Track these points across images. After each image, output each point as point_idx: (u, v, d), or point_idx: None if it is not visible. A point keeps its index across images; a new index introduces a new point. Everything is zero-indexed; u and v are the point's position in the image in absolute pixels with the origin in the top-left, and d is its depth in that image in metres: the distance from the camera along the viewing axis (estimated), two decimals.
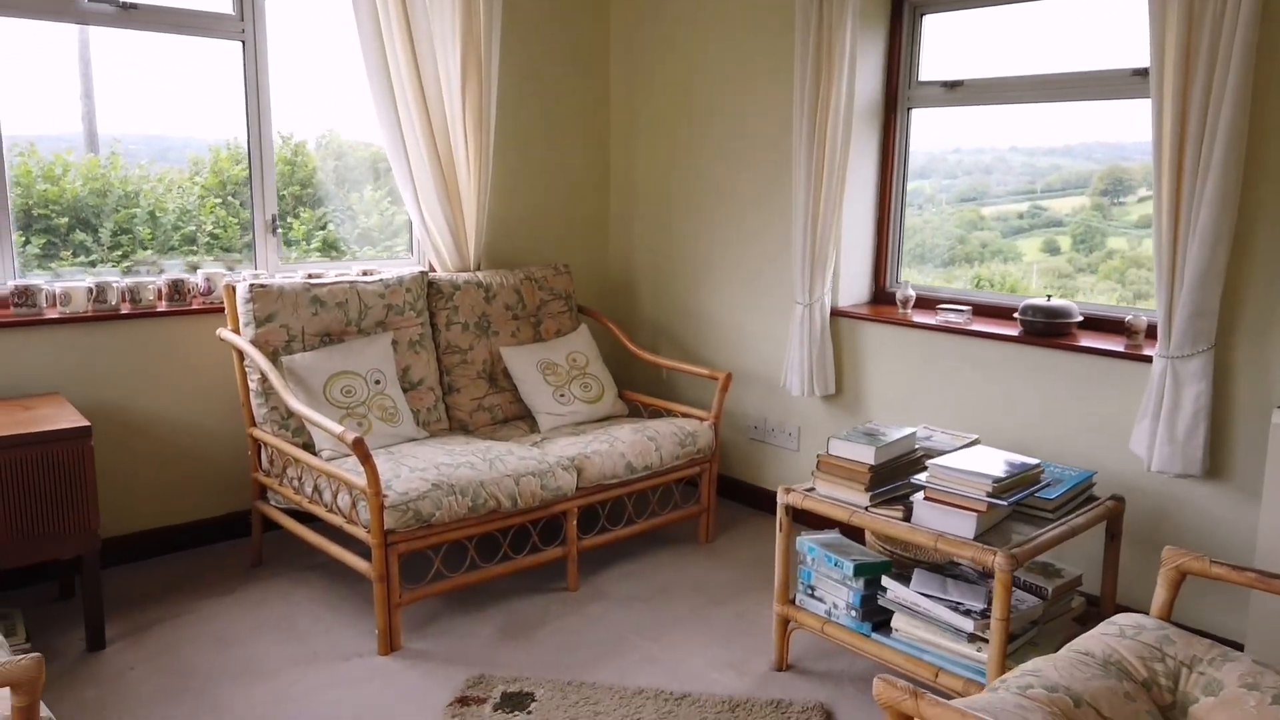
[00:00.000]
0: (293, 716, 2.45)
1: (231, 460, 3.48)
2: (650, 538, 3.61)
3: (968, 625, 2.25)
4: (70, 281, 3.17)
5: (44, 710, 1.60)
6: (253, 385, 3.17)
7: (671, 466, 3.41)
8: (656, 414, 3.75)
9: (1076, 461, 2.94)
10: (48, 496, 2.62)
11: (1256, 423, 2.62)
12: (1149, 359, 2.75)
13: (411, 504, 2.71)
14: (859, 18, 3.31)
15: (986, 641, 2.22)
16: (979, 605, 2.26)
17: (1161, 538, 2.80)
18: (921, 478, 2.39)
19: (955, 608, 2.28)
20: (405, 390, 3.40)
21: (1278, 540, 2.40)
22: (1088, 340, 2.97)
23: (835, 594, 2.55)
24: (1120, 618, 1.84)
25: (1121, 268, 3.26)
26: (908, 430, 2.61)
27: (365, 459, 2.63)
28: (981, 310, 3.37)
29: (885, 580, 2.44)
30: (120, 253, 3.38)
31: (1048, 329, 3.04)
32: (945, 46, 3.48)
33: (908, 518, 2.38)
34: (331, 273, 3.61)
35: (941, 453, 2.60)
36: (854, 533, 2.70)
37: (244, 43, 3.46)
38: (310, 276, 3.50)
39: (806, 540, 2.63)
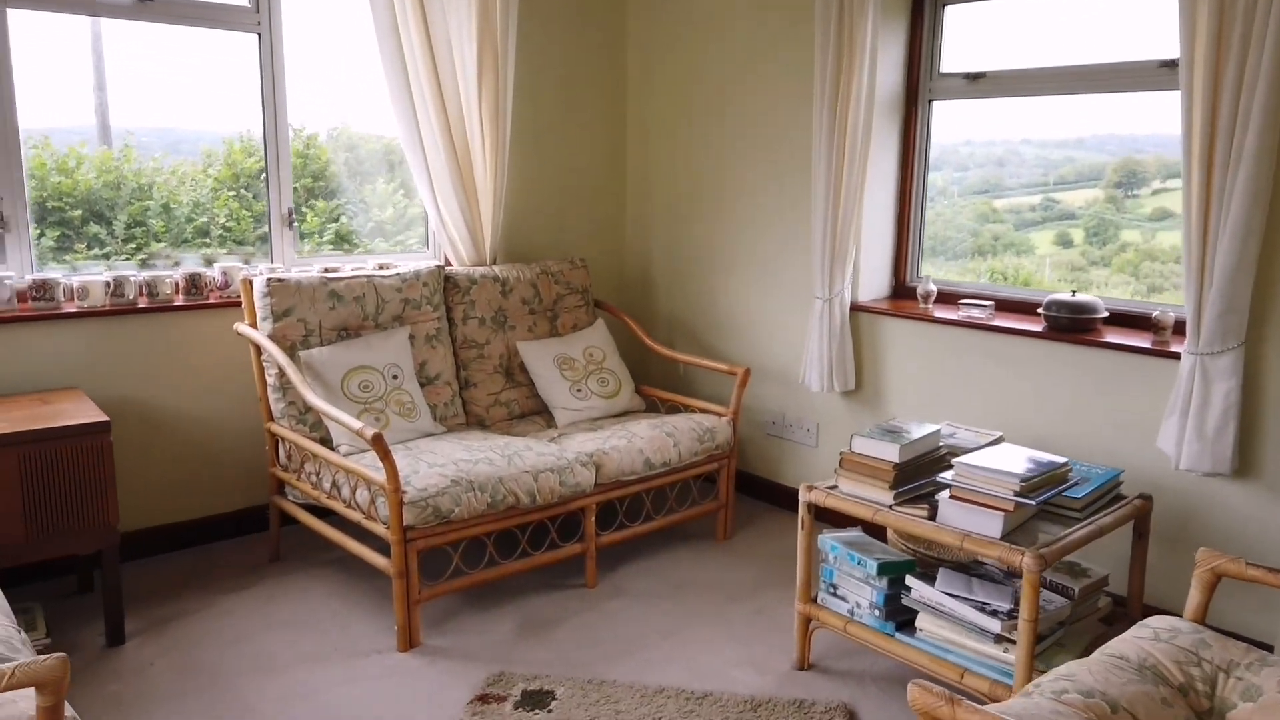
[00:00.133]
0: (314, 713, 2.45)
1: (249, 455, 3.47)
2: (668, 534, 3.59)
3: (994, 626, 2.22)
4: (88, 275, 3.17)
5: (68, 709, 1.59)
6: (270, 380, 3.16)
7: (690, 462, 3.39)
8: (674, 409, 3.73)
9: (1102, 459, 2.90)
10: (67, 492, 2.62)
11: None
12: (1177, 355, 2.71)
13: (431, 500, 2.70)
14: (880, 9, 3.27)
15: (1013, 643, 2.19)
16: (1005, 606, 2.23)
17: (1189, 537, 2.76)
18: (947, 476, 2.35)
19: (981, 608, 2.25)
20: (422, 385, 3.39)
21: None
22: (1113, 336, 2.93)
23: (858, 593, 2.52)
24: (1153, 620, 1.81)
25: (1135, 261, 3.23)
26: (931, 428, 2.58)
27: (385, 455, 2.61)
28: (1004, 305, 3.33)
29: (909, 580, 2.41)
30: (134, 245, 3.37)
31: (1072, 324, 3.00)
32: (967, 38, 3.44)
33: (933, 516, 2.35)
34: (348, 267, 3.60)
35: (966, 450, 2.57)
36: (875, 530, 2.67)
37: (260, 35, 3.44)
38: (327, 271, 3.49)
39: (828, 538, 2.61)
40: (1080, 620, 2.42)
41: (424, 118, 3.55)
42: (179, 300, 3.30)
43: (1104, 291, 3.21)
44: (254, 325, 3.18)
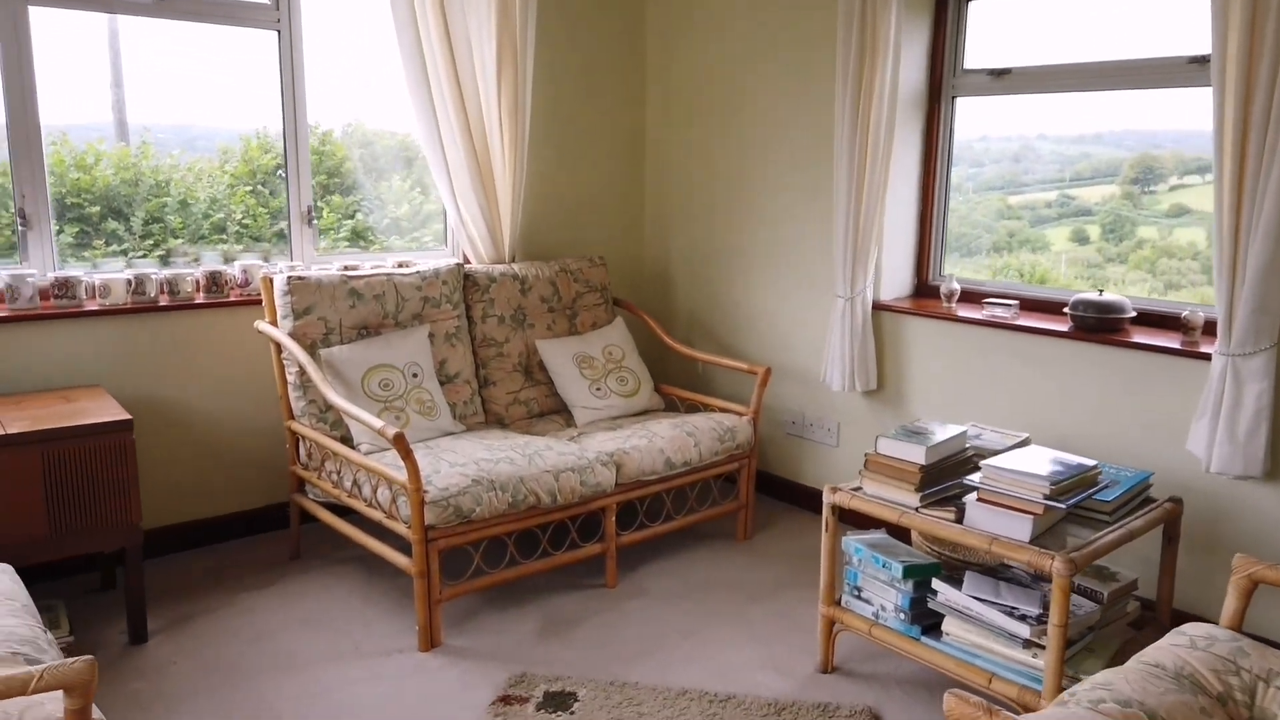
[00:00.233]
0: (337, 712, 2.44)
1: (269, 453, 3.47)
2: (688, 534, 3.57)
3: (1023, 631, 2.19)
4: (109, 273, 3.17)
5: (95, 711, 1.58)
6: (290, 378, 3.15)
7: (710, 462, 3.37)
8: (693, 408, 3.71)
9: (1129, 461, 2.87)
10: (90, 490, 2.62)
11: None
12: (1207, 356, 2.67)
13: (452, 500, 2.69)
14: (903, 4, 3.23)
15: (1043, 648, 2.16)
16: (1034, 610, 2.21)
17: (1220, 541, 2.72)
18: (974, 478, 2.33)
19: (1010, 613, 2.23)
20: (442, 383, 3.38)
21: None
22: (1141, 336, 2.89)
23: (883, 596, 2.50)
24: (1189, 628, 1.78)
25: (1152, 257, 3.20)
26: (958, 429, 2.55)
27: (406, 455, 2.60)
28: (1029, 304, 3.29)
29: (936, 583, 2.39)
30: (152, 242, 3.37)
31: (1100, 324, 2.96)
32: (992, 33, 3.40)
33: (960, 519, 2.32)
34: (367, 265, 3.59)
35: (993, 452, 2.54)
36: (899, 532, 2.65)
37: (279, 32, 3.43)
38: (346, 268, 3.48)
39: (852, 540, 2.59)
40: (1109, 625, 2.38)
41: (443, 114, 3.54)
42: (199, 298, 3.30)
43: (1120, 289, 3.18)
44: (274, 323, 3.18)
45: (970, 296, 3.44)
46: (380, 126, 3.88)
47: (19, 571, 2.16)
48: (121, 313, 3.13)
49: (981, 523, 2.27)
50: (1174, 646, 1.70)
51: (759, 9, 3.79)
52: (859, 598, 2.57)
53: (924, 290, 3.65)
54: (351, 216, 3.78)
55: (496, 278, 3.63)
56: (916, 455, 2.40)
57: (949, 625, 2.36)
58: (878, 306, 3.53)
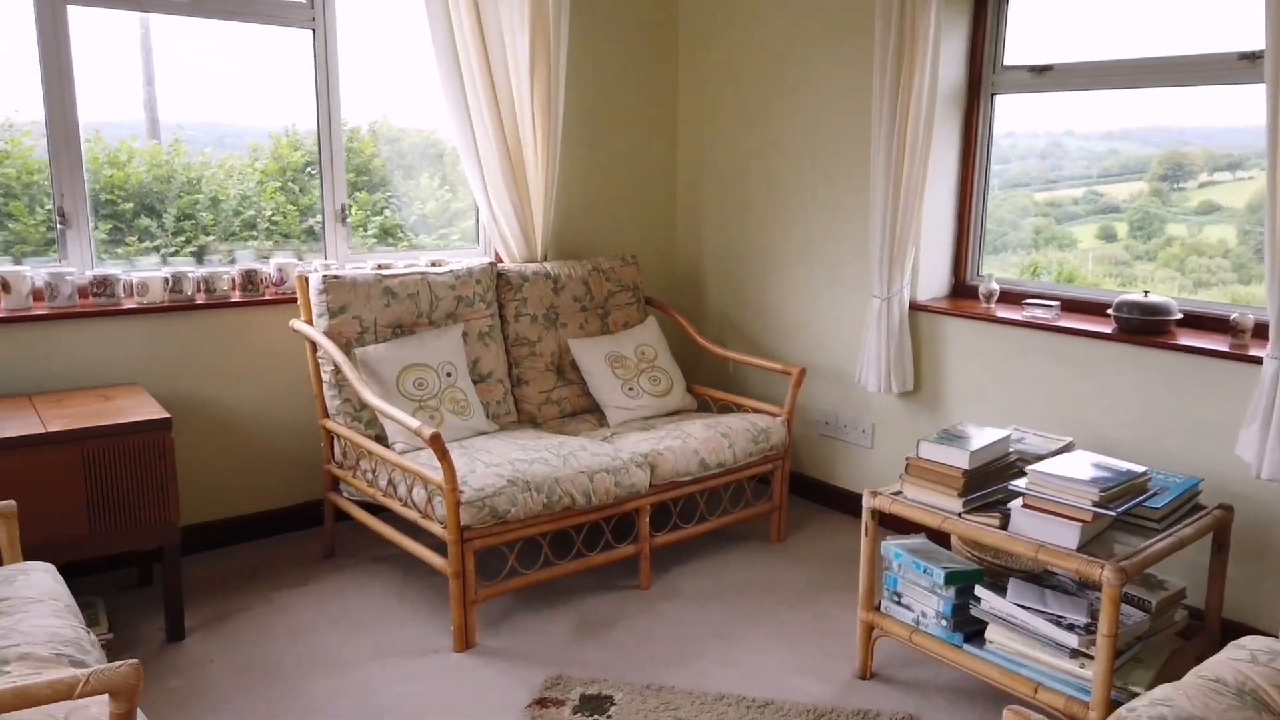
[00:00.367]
0: (376, 713, 2.44)
1: (304, 451, 3.48)
2: (721, 535, 3.54)
3: (1071, 641, 2.15)
4: (146, 271, 3.18)
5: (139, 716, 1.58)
6: (325, 377, 3.16)
7: (745, 463, 3.34)
8: (726, 409, 3.68)
9: (1175, 467, 2.81)
10: (129, 488, 2.63)
11: None
12: (1258, 360, 2.61)
13: (488, 500, 2.68)
14: (943, 0, 3.18)
15: (1091, 658, 2.12)
16: (1082, 619, 2.16)
17: (1271, 549, 2.66)
18: (1020, 484, 2.29)
19: (1057, 622, 2.18)
20: (475, 382, 3.37)
21: None
22: (1188, 338, 2.83)
23: (924, 602, 2.46)
24: (1248, 641, 1.74)
25: (1181, 255, 3.15)
26: (1001, 433, 2.51)
27: (443, 455, 2.60)
28: (1070, 305, 3.24)
29: (979, 590, 2.35)
30: (183, 238, 3.38)
31: (1144, 326, 2.90)
32: (1033, 29, 3.34)
33: (1004, 525, 2.28)
34: (400, 263, 3.59)
35: (1037, 456, 2.50)
36: (937, 536, 2.61)
37: (314, 31, 3.43)
38: (380, 267, 3.48)
39: (892, 545, 2.55)
40: (1157, 634, 2.34)
41: (476, 111, 3.52)
42: (235, 296, 3.31)
43: (1149, 287, 3.13)
44: (310, 322, 3.18)
45: (1009, 297, 3.38)
46: (406, 123, 3.87)
47: (58, 569, 2.17)
48: (159, 311, 3.14)
49: (1027, 529, 2.23)
50: (1233, 661, 1.66)
51: (795, 5, 3.74)
52: (899, 603, 2.53)
53: (962, 290, 3.59)
54: (379, 213, 3.78)
55: (529, 277, 3.62)
56: (959, 460, 2.36)
57: (993, 633, 2.32)
58: (915, 307, 3.48)
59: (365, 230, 3.75)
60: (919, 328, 3.50)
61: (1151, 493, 2.30)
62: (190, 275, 3.20)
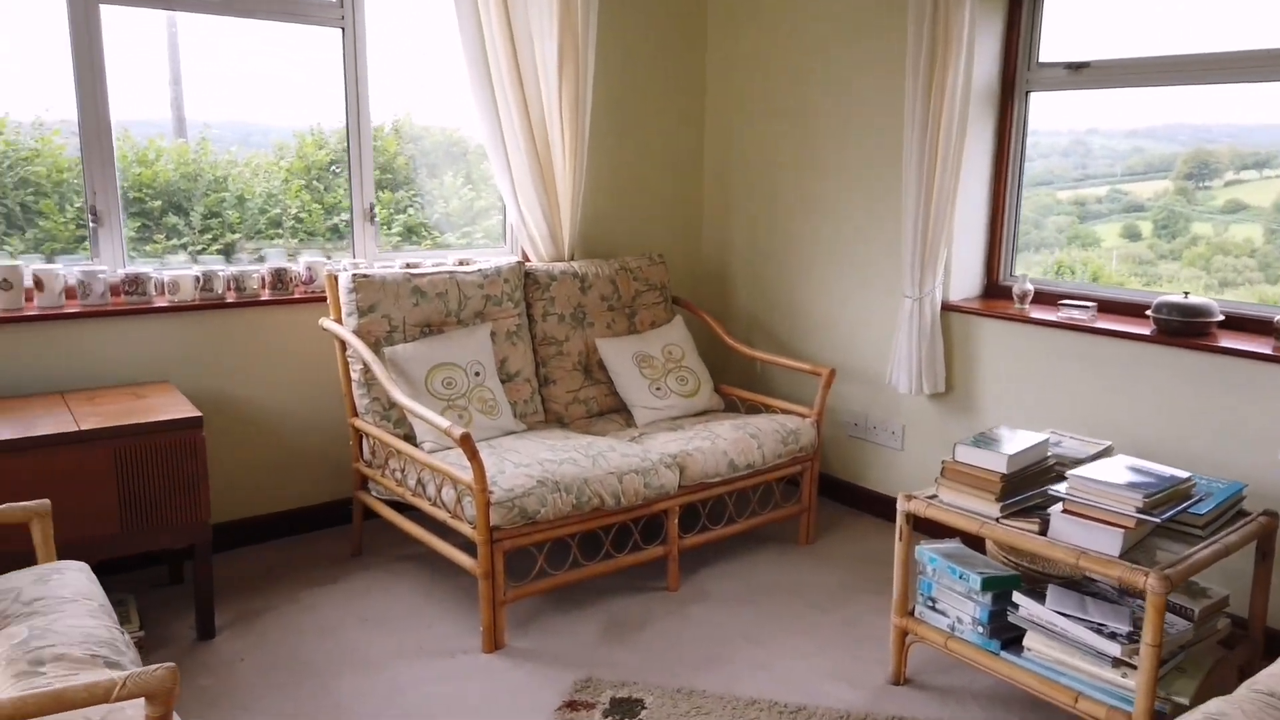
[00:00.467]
0: (405, 712, 2.43)
1: (332, 449, 3.48)
2: (749, 537, 3.52)
3: (1113, 650, 2.11)
4: (177, 270, 3.19)
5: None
6: (354, 375, 3.15)
7: (774, 465, 3.31)
8: (754, 409, 3.65)
9: (1214, 471, 2.75)
10: (160, 486, 2.64)
11: None
12: None
13: (517, 501, 2.66)
14: None
15: (1133, 667, 2.07)
16: (1124, 627, 2.12)
17: None
18: (1060, 489, 2.24)
19: (1099, 630, 2.14)
20: (502, 382, 3.36)
21: None
22: (1229, 341, 2.78)
23: (959, 608, 2.42)
24: None
25: (1207, 255, 3.11)
26: (1039, 436, 2.47)
27: (473, 455, 2.58)
28: (1106, 307, 3.18)
29: (1017, 597, 2.31)
30: (210, 236, 3.39)
31: (1185, 328, 2.85)
32: (1070, 24, 3.28)
33: (1044, 531, 2.24)
34: (428, 262, 3.58)
35: (1075, 461, 2.46)
36: (971, 540, 2.56)
37: (344, 30, 3.43)
38: (408, 266, 3.47)
39: (927, 550, 2.51)
40: (1199, 643, 2.29)
41: (504, 110, 3.51)
42: (265, 295, 3.32)
43: (1176, 286, 3.09)
44: (339, 320, 3.18)
45: (1042, 298, 3.33)
46: (429, 121, 3.86)
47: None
48: (190, 309, 3.15)
49: (1067, 535, 2.19)
50: None
51: (825, 2, 3.70)
52: (933, 609, 2.49)
53: (994, 290, 3.54)
54: (403, 212, 3.78)
55: (557, 276, 3.60)
56: (998, 464, 2.32)
57: (1031, 640, 2.28)
58: (947, 307, 3.43)
59: (389, 229, 3.75)
60: (951, 328, 3.45)
61: (1195, 499, 2.26)
62: (220, 274, 3.21)
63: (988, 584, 2.36)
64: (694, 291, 4.36)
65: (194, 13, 3.18)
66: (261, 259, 3.48)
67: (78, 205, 3.11)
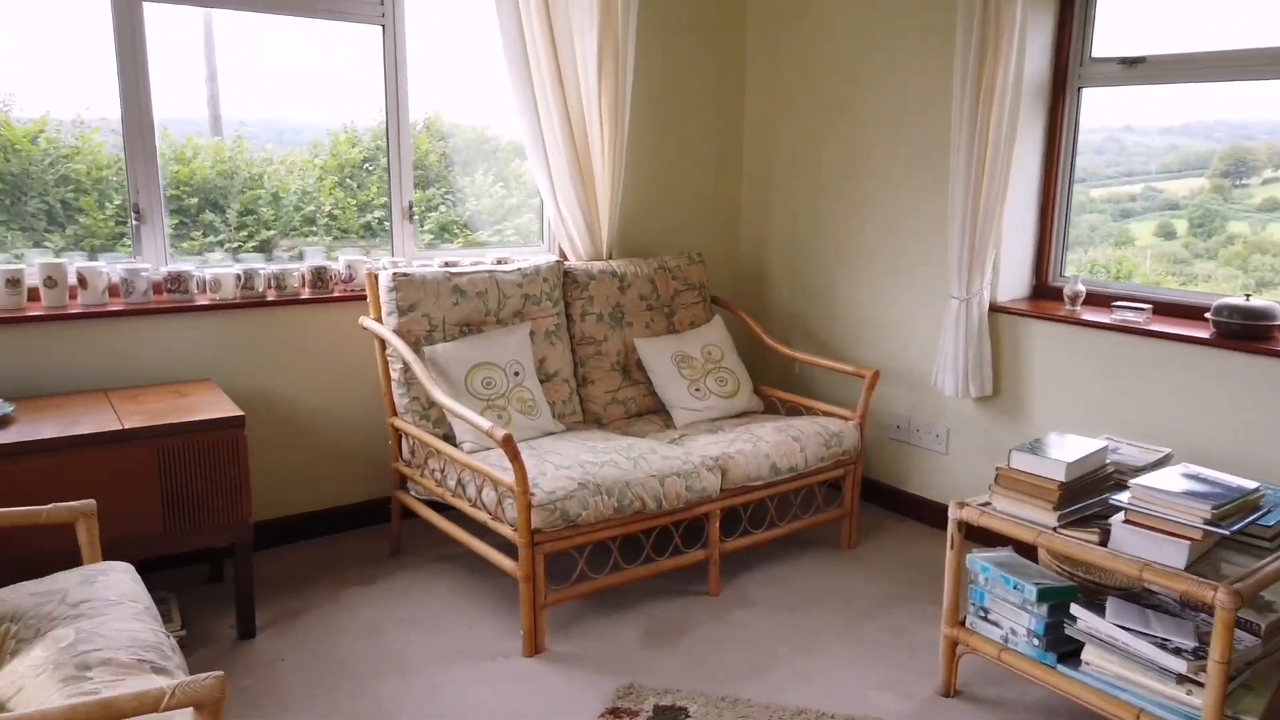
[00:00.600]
0: (444, 716, 2.41)
1: (372, 448, 3.47)
2: (790, 541, 3.46)
3: (1179, 666, 2.03)
4: (219, 268, 3.19)
5: None
6: (394, 374, 3.14)
7: (816, 468, 3.25)
8: (794, 411, 3.59)
9: (1276, 480, 2.66)
10: (202, 485, 2.63)
11: None
12: None
13: (559, 504, 2.63)
14: None
15: (1199, 684, 2.00)
16: (1190, 643, 2.05)
17: None
18: (1121, 498, 2.17)
19: (1163, 645, 2.07)
20: (541, 382, 3.33)
21: None
22: None
23: (1013, 619, 2.36)
24: None
25: (1244, 254, 3.04)
26: (1097, 443, 2.39)
27: (514, 457, 2.55)
28: (1161, 309, 3.09)
29: (1075, 609, 2.24)
30: (245, 233, 3.39)
31: (1245, 331, 2.76)
32: (1124, 17, 3.19)
33: (1104, 542, 2.17)
34: (466, 261, 3.56)
35: (1134, 469, 2.39)
36: (1023, 548, 2.50)
37: (384, 27, 3.41)
38: (446, 264, 3.45)
39: (979, 559, 2.45)
40: (1266, 659, 2.21)
41: (545, 111, 3.47)
42: (305, 293, 3.31)
43: (1212, 285, 3.00)
44: (379, 319, 3.16)
45: (1094, 299, 3.25)
46: (460, 119, 3.83)
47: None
48: (231, 307, 3.15)
49: (1130, 546, 2.12)
50: None
51: None
52: (985, 619, 2.43)
53: (1044, 291, 3.46)
54: (435, 209, 3.76)
55: (596, 275, 3.56)
56: (1055, 471, 2.25)
57: (1089, 654, 2.21)
58: (995, 308, 3.36)
59: (422, 225, 3.73)
60: (999, 330, 3.37)
61: (1264, 510, 2.18)
62: (261, 272, 3.20)
63: (1044, 595, 2.29)
64: (732, 291, 4.30)
65: (235, 9, 3.17)
66: (300, 256, 3.47)
67: (117, 202, 3.11)
